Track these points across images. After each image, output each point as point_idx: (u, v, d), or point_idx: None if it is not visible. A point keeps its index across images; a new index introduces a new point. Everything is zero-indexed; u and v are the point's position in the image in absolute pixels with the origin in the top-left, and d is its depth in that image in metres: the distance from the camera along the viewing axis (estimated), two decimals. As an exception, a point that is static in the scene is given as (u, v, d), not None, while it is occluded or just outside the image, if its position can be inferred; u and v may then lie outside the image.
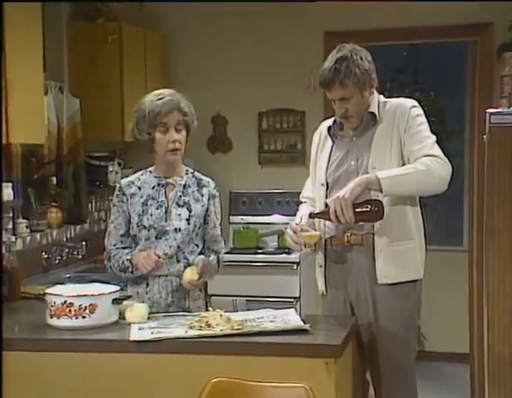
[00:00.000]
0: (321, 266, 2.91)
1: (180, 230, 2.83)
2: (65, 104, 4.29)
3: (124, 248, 2.88)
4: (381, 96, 2.88)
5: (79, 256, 4.26)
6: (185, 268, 2.83)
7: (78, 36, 4.53)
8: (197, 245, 2.89)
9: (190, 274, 2.75)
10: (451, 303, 5.26)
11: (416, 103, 2.84)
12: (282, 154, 5.12)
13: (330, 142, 2.92)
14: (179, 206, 2.86)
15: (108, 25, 4.53)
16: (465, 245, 5.18)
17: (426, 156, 2.67)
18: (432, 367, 5.12)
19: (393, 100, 2.87)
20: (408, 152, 2.72)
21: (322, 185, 2.88)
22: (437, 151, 2.71)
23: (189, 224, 2.84)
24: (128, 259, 2.81)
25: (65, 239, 4.23)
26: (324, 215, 2.73)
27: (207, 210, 2.89)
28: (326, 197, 2.83)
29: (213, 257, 2.90)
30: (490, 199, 3.49)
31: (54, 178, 4.21)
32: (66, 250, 4.18)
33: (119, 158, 4.79)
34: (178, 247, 2.84)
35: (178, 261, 2.84)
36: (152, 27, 4.96)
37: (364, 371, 2.90)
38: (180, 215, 2.84)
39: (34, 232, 3.95)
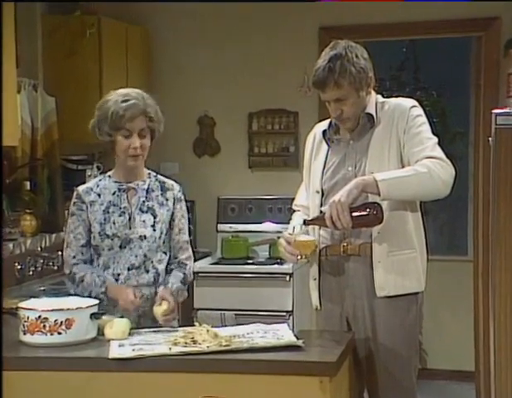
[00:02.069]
0: (315, 279, 2.90)
1: (145, 237, 2.83)
2: (39, 102, 4.29)
3: (85, 261, 2.85)
4: (379, 96, 2.89)
5: (55, 267, 4.23)
6: (154, 278, 2.84)
7: (53, 30, 4.52)
8: (165, 253, 2.89)
9: (160, 310, 2.73)
10: (455, 317, 5.27)
11: (416, 103, 2.85)
12: (274, 158, 5.13)
13: (325, 146, 2.92)
14: (143, 211, 2.86)
15: (86, 18, 4.54)
16: (469, 255, 5.20)
17: (427, 158, 2.68)
18: (435, 386, 5.12)
19: (392, 100, 2.87)
20: (408, 154, 2.73)
21: (317, 192, 2.88)
22: (439, 153, 2.72)
23: (154, 230, 2.84)
24: (102, 293, 2.76)
25: (39, 248, 4.21)
26: (319, 221, 2.73)
27: (173, 214, 2.90)
28: (322, 205, 2.83)
29: (173, 281, 2.84)
30: (497, 205, 3.50)
31: (28, 183, 4.20)
32: (41, 261, 4.16)
33: (98, 162, 4.77)
34: (145, 256, 2.83)
35: (147, 271, 2.84)
36: (134, 21, 4.96)
37: (362, 389, 2.90)
38: (144, 221, 2.84)
39: (6, 241, 3.93)
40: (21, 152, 4.11)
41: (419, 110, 2.82)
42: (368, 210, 2.65)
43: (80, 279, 2.83)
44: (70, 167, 4.60)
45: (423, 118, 2.80)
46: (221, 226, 5.04)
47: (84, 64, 4.52)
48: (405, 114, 2.77)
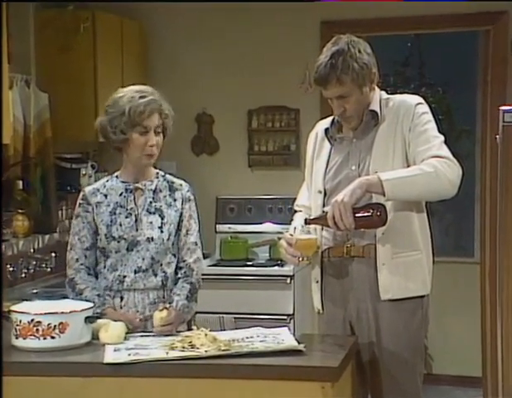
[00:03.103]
0: (317, 282, 2.90)
1: (153, 239, 2.84)
2: (32, 99, 4.29)
3: (88, 267, 2.86)
4: (383, 92, 2.89)
5: (48, 269, 4.25)
6: (162, 282, 2.85)
7: (46, 25, 4.52)
8: (175, 255, 2.90)
9: (159, 316, 2.68)
10: (462, 321, 5.27)
11: (421, 99, 2.85)
12: (274, 156, 5.13)
13: (327, 144, 2.92)
14: (150, 213, 2.86)
15: (79, 12, 4.53)
16: (476, 256, 5.20)
17: (433, 157, 2.68)
18: (441, 392, 5.12)
19: (397, 97, 2.87)
20: (414, 153, 2.73)
21: (320, 192, 2.88)
22: (446, 152, 2.72)
23: (162, 232, 2.85)
24: (99, 313, 2.73)
25: (32, 250, 4.21)
26: (321, 220, 2.73)
27: (181, 215, 2.90)
28: (324, 206, 2.83)
29: (178, 298, 2.82)
30: (504, 205, 3.49)
31: (20, 182, 4.20)
32: (34, 263, 4.16)
33: (93, 160, 4.78)
34: (152, 258, 2.84)
35: (155, 275, 2.85)
36: (130, 15, 4.96)
37: (366, 395, 2.90)
38: (151, 223, 2.85)
39: (-1, 242, 3.94)
40: (14, 150, 4.11)
41: (425, 107, 2.81)
42: (371, 211, 2.65)
43: (80, 291, 2.83)
44: (64, 165, 4.60)
45: (429, 116, 2.80)
46: (220, 227, 5.04)
47: (77, 59, 4.52)
48: (410, 111, 2.77)
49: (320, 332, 2.96)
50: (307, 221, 2.79)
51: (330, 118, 2.93)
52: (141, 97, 2.78)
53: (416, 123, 2.75)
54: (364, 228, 2.72)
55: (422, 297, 2.82)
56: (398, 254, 2.75)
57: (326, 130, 2.93)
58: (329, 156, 2.90)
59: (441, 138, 2.77)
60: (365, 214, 2.65)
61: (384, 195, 2.64)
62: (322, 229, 2.83)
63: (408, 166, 2.74)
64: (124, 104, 2.78)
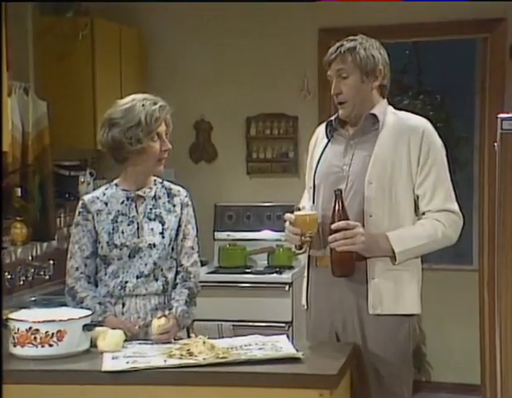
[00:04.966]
0: (306, 279, 2.93)
1: (155, 245, 2.85)
2: (30, 106, 4.29)
3: (88, 276, 2.87)
4: (391, 107, 2.88)
5: (47, 277, 4.24)
6: (163, 287, 2.86)
7: (45, 32, 4.52)
8: (175, 260, 2.92)
9: (157, 324, 2.69)
10: (460, 328, 5.26)
11: (430, 125, 2.83)
12: (273, 163, 5.13)
13: (325, 140, 2.93)
14: (150, 219, 2.88)
15: (78, 19, 4.54)
16: (474, 264, 5.19)
17: (442, 211, 2.75)
18: (440, 400, 5.13)
19: (406, 116, 2.85)
20: (421, 190, 2.75)
21: (311, 188, 2.92)
22: (453, 203, 2.79)
23: (163, 238, 2.87)
24: (99, 321, 2.74)
25: (30, 257, 4.21)
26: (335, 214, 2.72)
27: (180, 220, 2.92)
28: (314, 202, 2.86)
29: (176, 304, 2.82)
30: (502, 212, 3.50)
31: (18, 190, 4.20)
32: (32, 270, 4.16)
33: (91, 168, 4.78)
34: (155, 264, 2.85)
35: (156, 280, 2.86)
36: (129, 23, 4.97)
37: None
38: (152, 229, 2.86)
39: (-3, 250, 3.93)
40: (12, 157, 4.10)
41: (434, 136, 2.80)
42: (352, 260, 2.71)
43: (81, 299, 2.84)
44: (62, 173, 4.60)
45: (438, 149, 2.79)
46: (218, 234, 5.04)
47: (76, 66, 4.53)
48: (418, 137, 2.75)
49: (307, 334, 2.95)
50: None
51: (335, 116, 2.92)
52: (152, 104, 2.80)
53: (425, 156, 2.75)
54: (333, 258, 2.72)
55: (412, 315, 2.81)
56: (390, 271, 2.74)
57: (328, 124, 2.92)
58: (323, 150, 2.91)
59: (449, 182, 2.79)
60: (348, 255, 2.70)
61: (396, 260, 2.72)
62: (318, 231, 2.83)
63: (415, 194, 2.76)
64: (138, 112, 2.77)
